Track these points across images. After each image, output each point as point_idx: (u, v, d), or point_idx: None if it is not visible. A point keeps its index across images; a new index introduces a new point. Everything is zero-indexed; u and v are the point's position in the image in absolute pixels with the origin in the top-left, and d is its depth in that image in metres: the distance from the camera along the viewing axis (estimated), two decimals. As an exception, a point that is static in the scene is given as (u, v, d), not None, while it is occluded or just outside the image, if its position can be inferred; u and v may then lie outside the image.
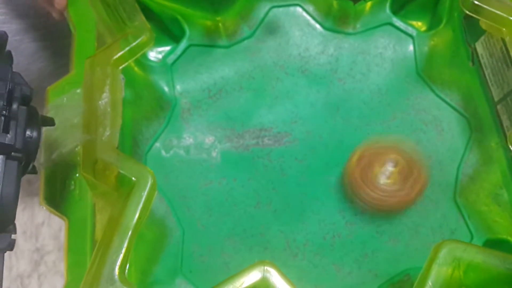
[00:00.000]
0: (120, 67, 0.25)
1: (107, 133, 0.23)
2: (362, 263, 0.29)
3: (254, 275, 0.20)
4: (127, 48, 0.25)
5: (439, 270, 0.20)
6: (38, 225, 0.42)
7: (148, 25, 0.25)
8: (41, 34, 0.36)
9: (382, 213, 0.30)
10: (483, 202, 0.29)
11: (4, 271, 0.40)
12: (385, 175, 0.28)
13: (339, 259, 0.29)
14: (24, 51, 0.35)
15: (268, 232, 0.30)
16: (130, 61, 0.25)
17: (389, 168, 0.29)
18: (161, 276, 0.28)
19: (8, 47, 0.34)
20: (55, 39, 0.37)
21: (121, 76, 0.25)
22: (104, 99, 0.23)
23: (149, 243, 0.28)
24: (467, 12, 0.26)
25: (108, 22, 0.27)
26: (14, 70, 0.35)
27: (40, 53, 0.36)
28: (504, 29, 0.26)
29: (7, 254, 0.39)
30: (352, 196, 0.30)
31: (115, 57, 0.24)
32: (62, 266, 0.40)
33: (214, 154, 0.32)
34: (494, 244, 0.28)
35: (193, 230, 0.30)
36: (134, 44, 0.25)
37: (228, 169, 0.31)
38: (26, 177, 0.43)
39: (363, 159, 0.29)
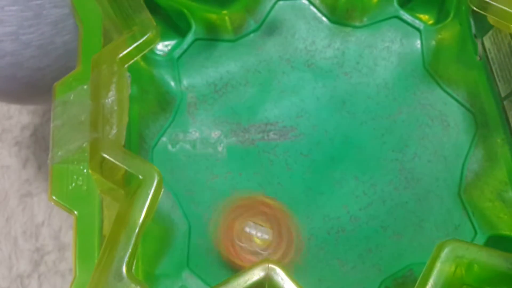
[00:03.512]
0: (126, 65, 0.25)
1: (114, 131, 0.23)
2: (366, 258, 0.29)
3: (258, 273, 0.20)
4: (133, 46, 0.25)
5: (441, 269, 0.21)
6: (38, 225, 0.43)
7: (153, 21, 0.26)
8: None
9: None
10: (487, 198, 0.29)
11: (4, 271, 0.41)
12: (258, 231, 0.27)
13: (343, 254, 0.29)
14: (47, 18, 0.33)
15: (273, 226, 0.30)
16: (136, 58, 0.25)
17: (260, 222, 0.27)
18: (168, 269, 0.28)
19: (28, 13, 0.32)
20: None
21: (128, 74, 0.25)
22: (111, 97, 0.23)
23: (156, 237, 0.28)
24: (474, 8, 0.26)
25: (114, 18, 0.27)
26: (37, 41, 0.33)
27: (64, 22, 0.33)
28: (511, 25, 0.26)
29: (7, 253, 0.40)
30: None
31: (121, 55, 0.24)
32: (62, 266, 0.41)
33: (220, 148, 0.32)
34: (497, 240, 0.28)
35: (199, 224, 0.30)
36: (140, 41, 0.25)
37: (234, 164, 0.32)
38: (26, 176, 0.44)
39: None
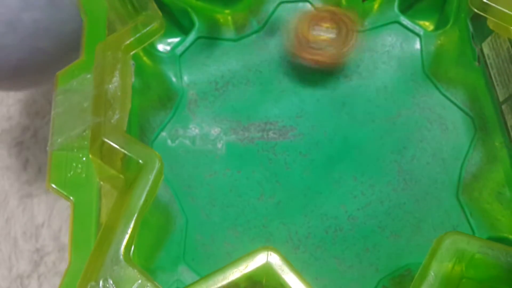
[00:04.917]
0: (131, 53, 0.25)
1: (116, 116, 0.23)
2: (363, 257, 0.29)
3: (258, 259, 0.20)
4: (138, 34, 0.25)
5: (441, 261, 0.21)
6: (38, 226, 0.42)
7: (159, 12, 0.26)
8: None
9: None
10: (485, 200, 0.29)
11: (4, 271, 0.40)
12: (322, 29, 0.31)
13: (341, 253, 0.29)
14: None
15: (270, 224, 0.30)
16: (140, 47, 0.25)
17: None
18: (164, 263, 0.28)
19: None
20: None
21: (132, 61, 0.25)
22: (114, 83, 0.23)
23: (153, 230, 0.28)
24: (476, 10, 0.26)
25: (120, 10, 0.28)
26: (1, 15, 0.29)
27: None
28: (511, 27, 0.26)
29: (7, 254, 0.39)
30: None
31: (126, 43, 0.25)
32: (62, 267, 0.40)
33: (219, 145, 0.32)
34: (495, 242, 0.28)
35: (196, 219, 0.30)
36: (145, 30, 0.25)
37: (233, 161, 0.32)
38: (26, 177, 0.43)
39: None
